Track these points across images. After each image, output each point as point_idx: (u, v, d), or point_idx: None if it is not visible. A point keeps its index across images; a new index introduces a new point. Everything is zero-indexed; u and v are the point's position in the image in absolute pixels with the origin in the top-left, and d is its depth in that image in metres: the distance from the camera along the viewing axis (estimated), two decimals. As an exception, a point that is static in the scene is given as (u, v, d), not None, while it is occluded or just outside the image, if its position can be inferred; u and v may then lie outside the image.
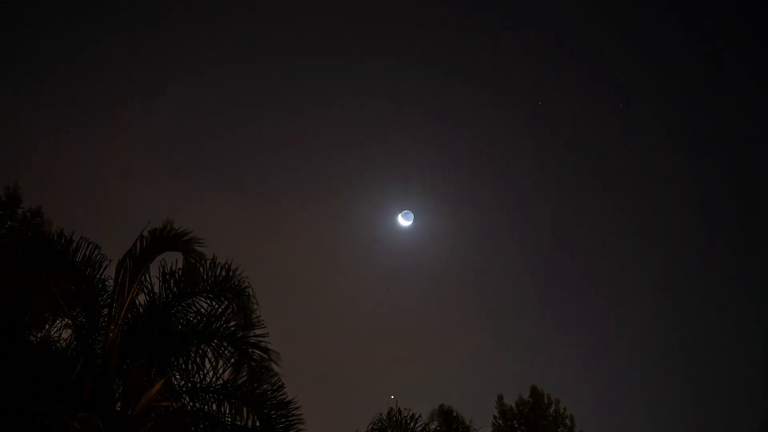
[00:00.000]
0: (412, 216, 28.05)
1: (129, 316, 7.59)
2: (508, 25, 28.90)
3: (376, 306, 31.59)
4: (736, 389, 28.75)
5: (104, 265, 7.89)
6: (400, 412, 11.23)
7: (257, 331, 7.91)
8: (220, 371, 7.85)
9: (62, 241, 7.72)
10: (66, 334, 7.69)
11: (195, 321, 8.01)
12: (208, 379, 7.86)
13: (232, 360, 7.81)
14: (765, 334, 29.51)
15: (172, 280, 7.99)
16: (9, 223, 11.74)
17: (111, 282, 7.65)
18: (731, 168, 29.77)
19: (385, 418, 11.13)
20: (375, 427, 11.02)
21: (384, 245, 29.73)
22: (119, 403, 7.09)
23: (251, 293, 7.96)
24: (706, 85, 29.30)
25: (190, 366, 7.87)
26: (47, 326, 7.75)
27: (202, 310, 8.04)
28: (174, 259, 8.02)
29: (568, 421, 20.88)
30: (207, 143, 30.31)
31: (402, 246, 29.56)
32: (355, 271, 31.70)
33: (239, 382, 7.82)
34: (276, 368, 7.89)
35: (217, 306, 8.04)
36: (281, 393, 8.04)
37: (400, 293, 32.20)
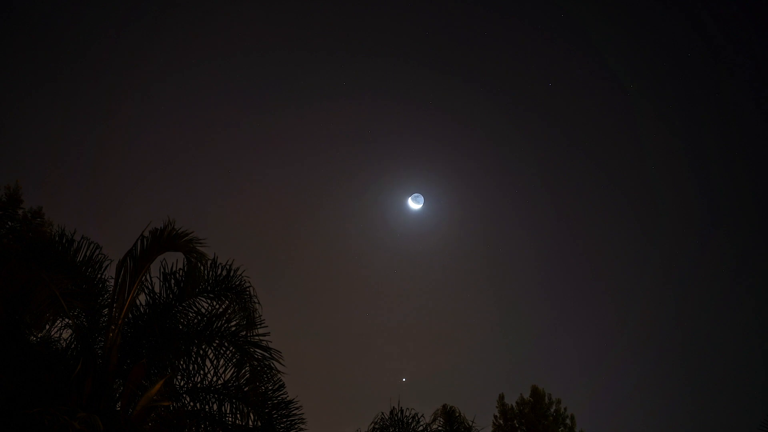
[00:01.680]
0: (422, 199, 27.94)
1: (129, 316, 7.57)
2: (515, 15, 28.81)
3: (383, 297, 31.58)
4: (736, 389, 28.73)
5: (105, 265, 7.91)
6: (402, 411, 11.20)
7: (259, 331, 7.90)
8: (221, 371, 7.84)
9: (63, 241, 7.71)
10: (66, 334, 7.68)
11: (196, 321, 7.99)
12: (208, 379, 7.85)
13: (234, 360, 7.79)
14: (766, 335, 29.48)
15: (172, 280, 7.98)
16: (9, 223, 11.70)
17: (111, 282, 7.65)
18: (732, 168, 29.75)
19: (387, 417, 11.10)
20: (377, 426, 10.99)
21: (394, 229, 29.68)
22: (119, 403, 7.08)
23: (252, 293, 7.95)
24: (708, 79, 29.23)
25: (190, 366, 7.85)
26: (47, 326, 7.72)
27: (203, 310, 8.03)
28: (175, 260, 8.03)
29: (568, 421, 20.86)
30: (209, 138, 30.20)
31: (412, 230, 29.52)
32: (362, 257, 31.66)
33: (240, 381, 7.80)
34: (279, 367, 7.88)
35: (218, 306, 8.02)
36: (282, 392, 8.05)
37: (407, 281, 32.19)
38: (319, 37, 29.02)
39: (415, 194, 27.83)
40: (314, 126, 30.48)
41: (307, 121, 30.22)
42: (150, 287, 7.91)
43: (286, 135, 30.60)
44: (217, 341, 7.79)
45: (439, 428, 11.59)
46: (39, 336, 7.81)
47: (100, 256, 7.86)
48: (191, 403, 7.82)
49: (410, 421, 11.12)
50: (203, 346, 7.81)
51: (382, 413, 11.11)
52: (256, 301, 7.91)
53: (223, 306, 7.99)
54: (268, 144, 30.82)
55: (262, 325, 7.96)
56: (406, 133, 30.92)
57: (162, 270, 7.98)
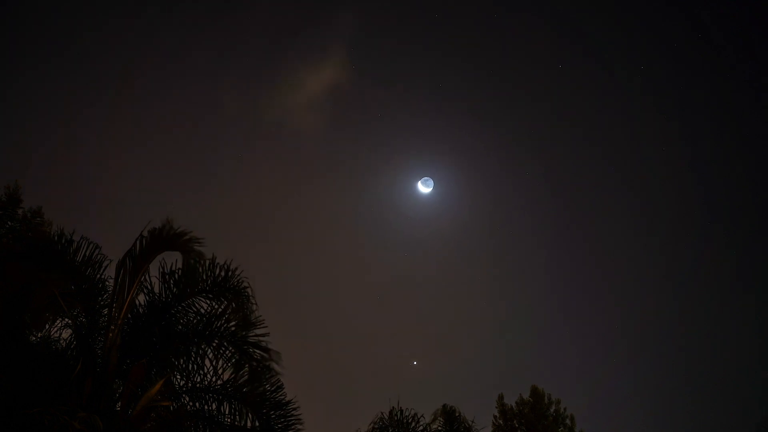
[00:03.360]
0: (432, 183, 27.70)
1: (129, 316, 7.59)
2: (524, 10, 28.70)
3: (389, 287, 31.41)
4: (735, 389, 28.73)
5: (104, 265, 7.91)
6: (401, 411, 11.21)
7: (257, 331, 7.91)
8: (220, 371, 7.85)
9: (62, 241, 7.72)
10: (66, 334, 7.69)
11: (195, 321, 8.00)
12: (207, 379, 7.86)
13: (233, 360, 7.80)
14: (763, 337, 29.46)
15: (171, 280, 7.99)
16: (9, 223, 11.73)
17: (111, 282, 7.66)
18: (733, 168, 29.74)
19: (386, 417, 11.11)
20: (376, 426, 11.00)
21: (402, 212, 29.46)
22: (119, 403, 7.09)
23: (251, 293, 7.96)
24: (708, 80, 29.22)
25: (190, 366, 7.86)
26: (47, 326, 7.73)
27: (202, 310, 8.04)
28: (174, 259, 8.04)
29: (568, 421, 20.85)
30: (210, 135, 30.02)
31: (421, 214, 29.31)
32: (368, 242, 31.46)
33: (239, 382, 7.81)
34: (277, 368, 7.89)
35: (217, 306, 8.03)
36: (280, 393, 8.04)
37: (410, 274, 32.00)
38: (328, 18, 28.70)
39: (425, 178, 27.59)
40: (322, 109, 30.15)
41: (314, 104, 29.93)
42: (149, 287, 7.93)
43: (290, 120, 30.27)
44: (216, 341, 7.81)
45: (439, 428, 11.60)
46: (39, 336, 7.82)
47: (99, 256, 7.88)
48: (191, 403, 7.83)
49: (410, 421, 11.13)
50: (202, 346, 7.82)
51: (382, 413, 11.13)
52: (254, 301, 7.94)
53: (222, 306, 8.00)
54: (272, 131, 30.54)
55: (262, 326, 7.98)
56: (416, 116, 30.61)
57: (161, 270, 7.99)
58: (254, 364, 7.74)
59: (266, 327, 7.95)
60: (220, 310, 7.98)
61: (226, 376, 7.83)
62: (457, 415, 11.92)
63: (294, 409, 8.05)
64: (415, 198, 28.70)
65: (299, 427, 8.06)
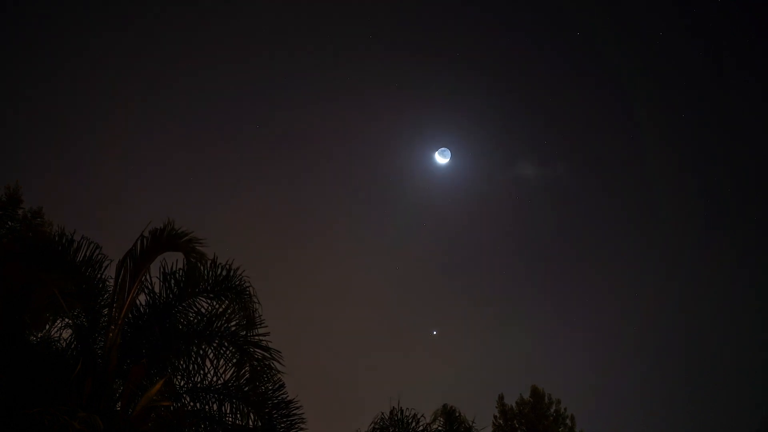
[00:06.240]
0: (449, 153, 27.37)
1: (129, 316, 7.58)
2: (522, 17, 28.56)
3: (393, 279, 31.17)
4: (736, 389, 28.74)
5: (105, 265, 7.89)
6: (401, 411, 11.21)
7: (259, 331, 7.91)
8: (221, 371, 7.85)
9: (63, 241, 7.70)
10: (66, 334, 7.68)
11: (196, 321, 8.00)
12: (208, 379, 7.85)
13: (234, 360, 7.80)
14: (763, 337, 29.47)
15: (172, 280, 7.98)
16: (9, 223, 11.73)
17: (111, 282, 7.64)
18: (734, 169, 29.74)
19: (386, 417, 11.11)
20: (376, 426, 11.00)
21: (418, 184, 29.14)
22: (119, 403, 7.08)
23: (252, 292, 7.96)
24: (707, 81, 29.23)
25: (190, 366, 7.85)
26: (47, 326, 7.72)
27: (203, 310, 8.03)
28: (175, 259, 8.03)
29: (568, 421, 20.88)
30: (211, 135, 29.86)
31: (437, 185, 28.93)
32: (378, 219, 31.15)
33: (240, 381, 7.81)
34: (279, 367, 7.89)
35: (218, 306, 8.03)
36: (282, 392, 8.05)
37: (422, 248, 31.72)
38: None
39: (442, 149, 27.26)
40: (338, 77, 29.74)
41: (329, 72, 29.54)
42: (150, 287, 7.92)
43: (309, 85, 29.85)
44: (216, 341, 7.80)
45: (439, 428, 11.60)
46: (39, 336, 7.81)
47: (100, 256, 7.85)
48: (191, 403, 7.82)
49: (410, 421, 11.13)
50: (203, 346, 7.82)
51: (382, 413, 11.13)
52: (256, 300, 7.93)
53: (223, 306, 7.99)
54: (292, 94, 30.18)
55: (263, 325, 7.97)
56: (434, 86, 30.20)
57: (162, 270, 7.98)
58: (255, 363, 7.74)
59: (267, 326, 7.96)
60: (221, 309, 7.98)
61: (227, 376, 7.83)
62: (457, 415, 11.92)
63: (297, 408, 8.06)
64: (432, 169, 28.24)
65: (302, 426, 8.07)
